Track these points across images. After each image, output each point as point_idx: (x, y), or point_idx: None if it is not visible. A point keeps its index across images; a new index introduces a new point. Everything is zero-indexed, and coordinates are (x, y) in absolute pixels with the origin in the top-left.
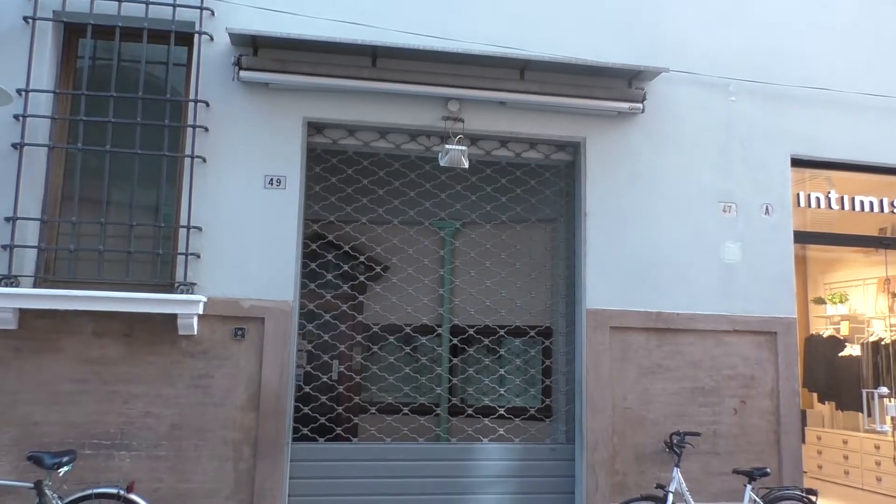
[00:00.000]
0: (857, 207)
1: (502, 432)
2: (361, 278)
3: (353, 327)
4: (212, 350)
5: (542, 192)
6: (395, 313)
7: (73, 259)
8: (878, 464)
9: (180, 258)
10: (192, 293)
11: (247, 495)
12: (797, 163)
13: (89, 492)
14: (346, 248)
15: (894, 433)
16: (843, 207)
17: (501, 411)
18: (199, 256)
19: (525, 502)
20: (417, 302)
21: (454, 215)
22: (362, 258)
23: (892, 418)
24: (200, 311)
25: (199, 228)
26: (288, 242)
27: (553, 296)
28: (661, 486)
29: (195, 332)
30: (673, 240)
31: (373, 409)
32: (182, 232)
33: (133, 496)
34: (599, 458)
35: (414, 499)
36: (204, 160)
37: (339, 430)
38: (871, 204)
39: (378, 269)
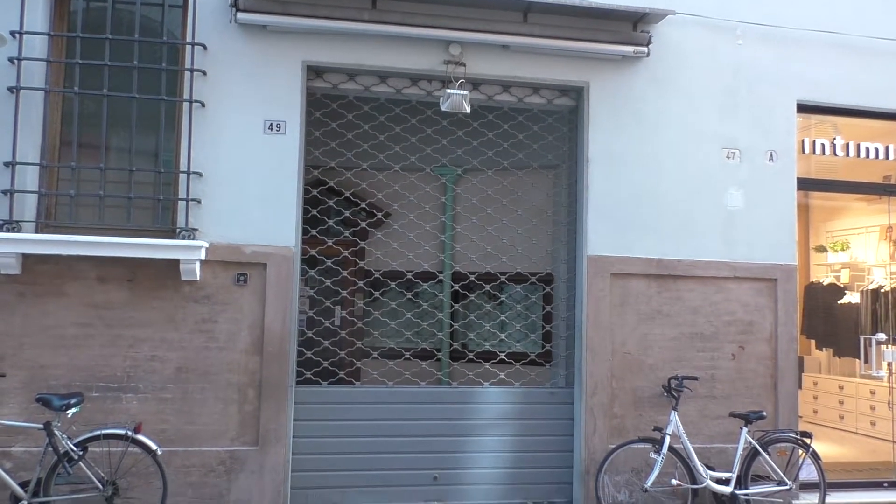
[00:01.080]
0: (863, 154)
1: (503, 376)
2: (363, 224)
3: (354, 273)
4: (215, 295)
5: (544, 138)
6: (396, 259)
7: (73, 205)
8: (872, 409)
9: (181, 204)
10: (193, 239)
11: (252, 437)
12: (803, 108)
13: (98, 432)
14: (347, 194)
15: (890, 378)
16: (847, 154)
17: (502, 356)
18: (199, 202)
19: (524, 444)
20: (419, 248)
21: (456, 161)
22: (363, 204)
23: (889, 364)
24: (202, 257)
25: (199, 174)
26: (288, 188)
27: (554, 242)
28: (658, 429)
29: (198, 278)
30: (676, 186)
31: (375, 354)
32: (182, 177)
33: (141, 437)
34: (598, 402)
35: (416, 441)
36: (202, 105)
37: (341, 374)
38: (877, 151)
39: (379, 215)
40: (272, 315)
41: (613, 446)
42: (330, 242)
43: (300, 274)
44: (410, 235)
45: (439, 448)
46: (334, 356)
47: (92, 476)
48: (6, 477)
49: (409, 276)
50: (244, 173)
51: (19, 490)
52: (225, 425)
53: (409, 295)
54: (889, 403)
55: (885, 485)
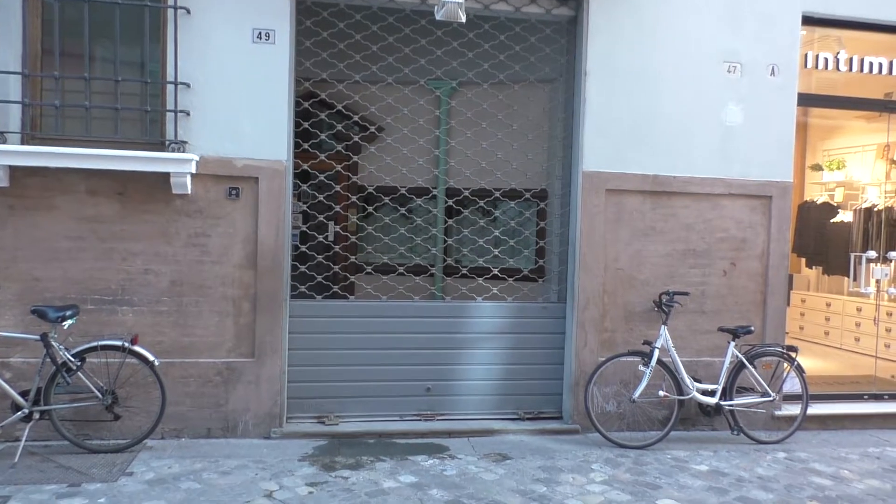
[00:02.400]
0: (866, 69)
1: (496, 291)
2: (355, 138)
3: (347, 188)
4: (207, 209)
5: (541, 50)
6: (389, 174)
7: (59, 116)
8: (857, 325)
9: (169, 115)
10: (183, 151)
11: (248, 349)
12: (808, 21)
13: (95, 343)
14: (340, 106)
15: (877, 295)
16: (851, 69)
17: (495, 271)
18: (188, 114)
19: (516, 357)
20: (412, 163)
21: (450, 74)
22: (356, 117)
23: (877, 281)
24: (193, 170)
25: (187, 85)
26: (279, 100)
27: (549, 158)
28: (647, 343)
29: (189, 192)
30: (675, 101)
31: (368, 269)
32: (170, 88)
33: (137, 348)
34: (589, 317)
35: (409, 353)
36: (188, 11)
37: (335, 289)
38: (881, 65)
39: (372, 128)
40: (265, 229)
41: (603, 359)
42: (322, 156)
43: (293, 188)
44: (404, 150)
45: (432, 361)
46: (328, 271)
47: (91, 385)
48: (6, 387)
49: (403, 191)
50: (233, 85)
51: (20, 399)
52: (221, 337)
53: (402, 210)
54: (874, 320)
55: (866, 397)
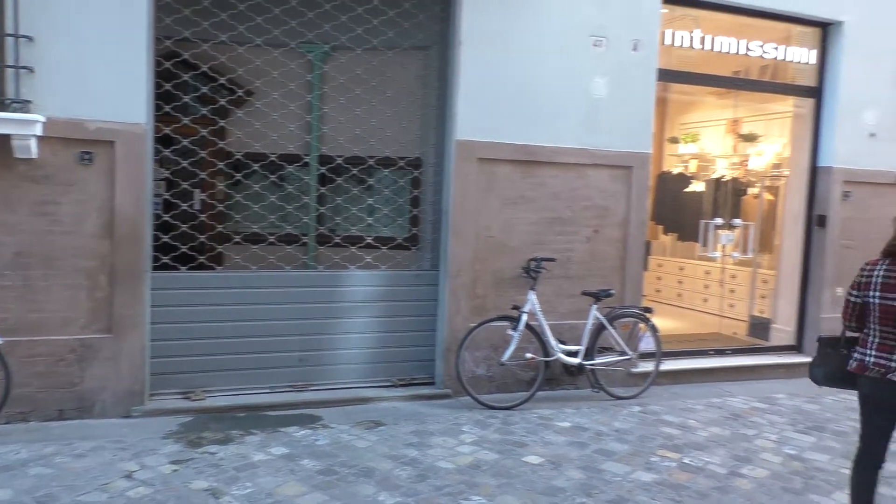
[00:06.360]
0: (717, 48)
1: (369, 260)
2: (222, 102)
3: (214, 154)
4: (56, 175)
5: (415, 17)
6: (259, 140)
7: None
8: (706, 287)
9: (9, 72)
10: (26, 112)
11: (104, 324)
12: (669, 0)
13: None
14: (205, 68)
15: (723, 259)
16: (703, 47)
17: (369, 240)
18: (32, 70)
19: (390, 325)
20: (283, 129)
21: (322, 37)
22: (223, 80)
23: (723, 246)
24: (39, 133)
25: (30, 38)
26: (136, 58)
27: (424, 126)
28: (516, 307)
29: (34, 156)
30: (545, 73)
31: (237, 239)
32: (9, 42)
33: None
34: (461, 283)
35: (281, 324)
36: None
37: (202, 259)
38: (730, 45)
39: (240, 92)
40: (123, 197)
41: (474, 324)
42: (186, 120)
43: (154, 154)
44: (274, 115)
45: (305, 331)
46: (194, 241)
47: None
48: None
49: (273, 157)
50: (84, 40)
51: None
52: (74, 313)
53: (273, 178)
54: (720, 282)
55: (711, 352)
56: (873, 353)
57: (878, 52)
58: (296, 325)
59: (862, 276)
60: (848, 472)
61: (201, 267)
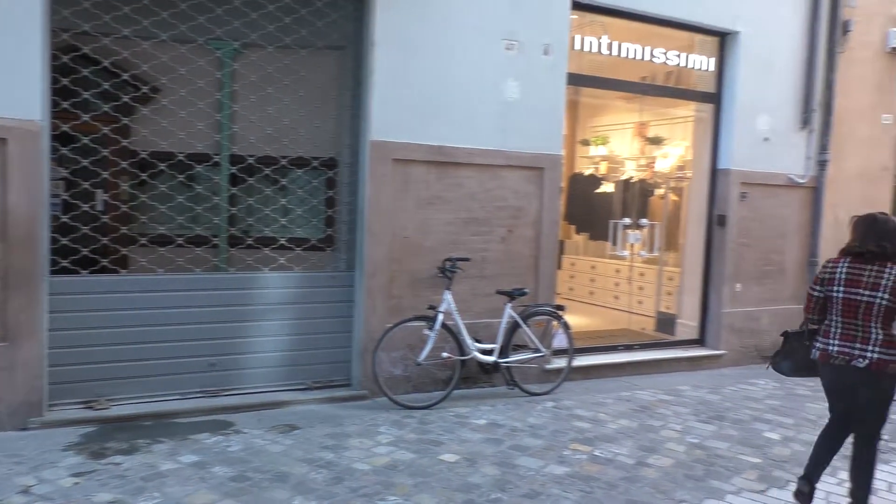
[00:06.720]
0: (625, 54)
1: (283, 262)
2: (126, 99)
3: (118, 153)
4: None
5: (328, 16)
6: (166, 139)
7: None
8: (616, 284)
9: None
10: None
11: None
12: (578, 6)
13: None
14: (106, 63)
15: (631, 258)
16: (611, 53)
17: (283, 241)
18: None
19: (305, 328)
20: (192, 127)
21: (232, 34)
22: (126, 76)
23: (631, 245)
24: None
25: None
26: (31, 52)
27: (338, 126)
28: (432, 307)
29: None
30: (460, 75)
31: (143, 241)
32: None
33: None
34: (377, 284)
35: (191, 328)
36: None
37: (105, 262)
38: (636, 51)
39: (145, 89)
40: (17, 197)
41: (390, 325)
42: (86, 117)
43: (52, 152)
44: (182, 113)
45: (217, 335)
46: (96, 243)
47: None
48: None
49: (182, 157)
50: None
51: None
52: None
53: (181, 178)
54: (629, 279)
55: (620, 348)
56: (836, 342)
57: (770, 61)
58: (207, 330)
59: (825, 273)
60: (746, 458)
61: (104, 270)
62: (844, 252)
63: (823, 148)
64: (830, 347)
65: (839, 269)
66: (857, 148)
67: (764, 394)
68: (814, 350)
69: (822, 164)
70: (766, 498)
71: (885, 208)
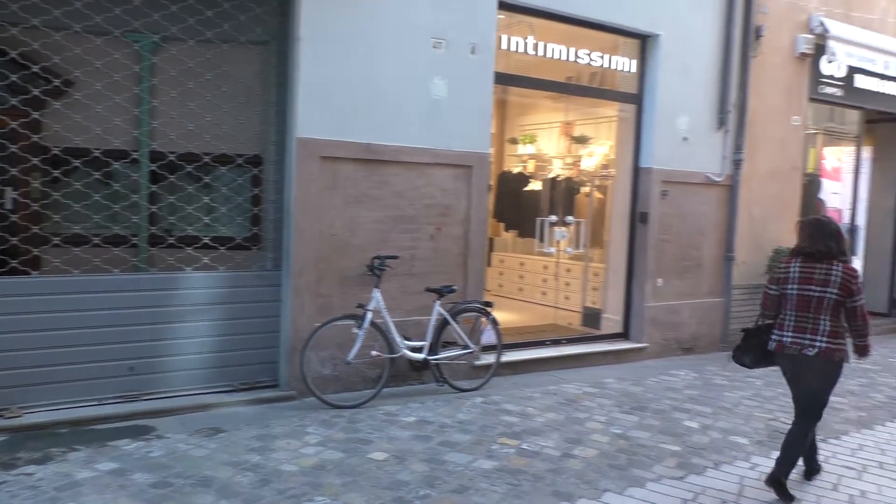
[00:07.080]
0: (551, 54)
1: (207, 261)
2: (36, 92)
3: (27, 149)
4: None
5: (252, 10)
6: (80, 135)
7: None
8: (544, 280)
9: None
10: None
11: None
12: (504, 6)
13: None
14: (14, 54)
15: (558, 254)
16: (537, 53)
17: (206, 240)
18: None
19: (230, 328)
20: (108, 123)
21: (151, 27)
22: (36, 68)
23: (558, 242)
24: None
25: None
26: None
27: (263, 123)
28: (361, 306)
29: None
30: (388, 72)
31: (56, 240)
32: None
33: None
34: (305, 283)
35: (109, 331)
36: None
37: (14, 264)
38: (561, 52)
39: (57, 82)
40: None
41: (319, 324)
42: None
43: None
44: (98, 108)
45: (136, 338)
46: (5, 244)
47: None
48: None
49: (98, 153)
50: None
51: None
52: None
53: (97, 175)
54: (556, 275)
55: (548, 342)
56: (790, 334)
57: (688, 63)
58: (126, 332)
59: (779, 273)
60: (667, 447)
61: (14, 272)
62: (795, 252)
63: (738, 148)
64: (785, 339)
65: (792, 269)
66: (770, 148)
67: (684, 384)
68: (770, 342)
69: (737, 164)
70: (685, 484)
71: (795, 206)
